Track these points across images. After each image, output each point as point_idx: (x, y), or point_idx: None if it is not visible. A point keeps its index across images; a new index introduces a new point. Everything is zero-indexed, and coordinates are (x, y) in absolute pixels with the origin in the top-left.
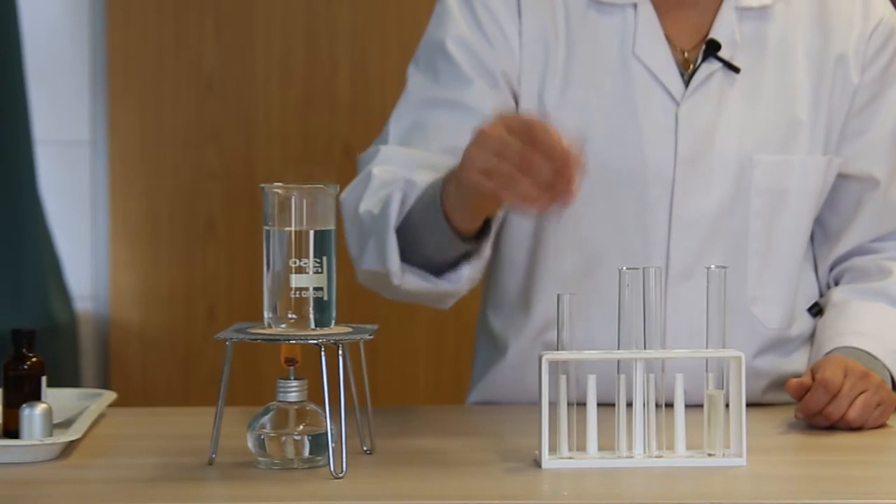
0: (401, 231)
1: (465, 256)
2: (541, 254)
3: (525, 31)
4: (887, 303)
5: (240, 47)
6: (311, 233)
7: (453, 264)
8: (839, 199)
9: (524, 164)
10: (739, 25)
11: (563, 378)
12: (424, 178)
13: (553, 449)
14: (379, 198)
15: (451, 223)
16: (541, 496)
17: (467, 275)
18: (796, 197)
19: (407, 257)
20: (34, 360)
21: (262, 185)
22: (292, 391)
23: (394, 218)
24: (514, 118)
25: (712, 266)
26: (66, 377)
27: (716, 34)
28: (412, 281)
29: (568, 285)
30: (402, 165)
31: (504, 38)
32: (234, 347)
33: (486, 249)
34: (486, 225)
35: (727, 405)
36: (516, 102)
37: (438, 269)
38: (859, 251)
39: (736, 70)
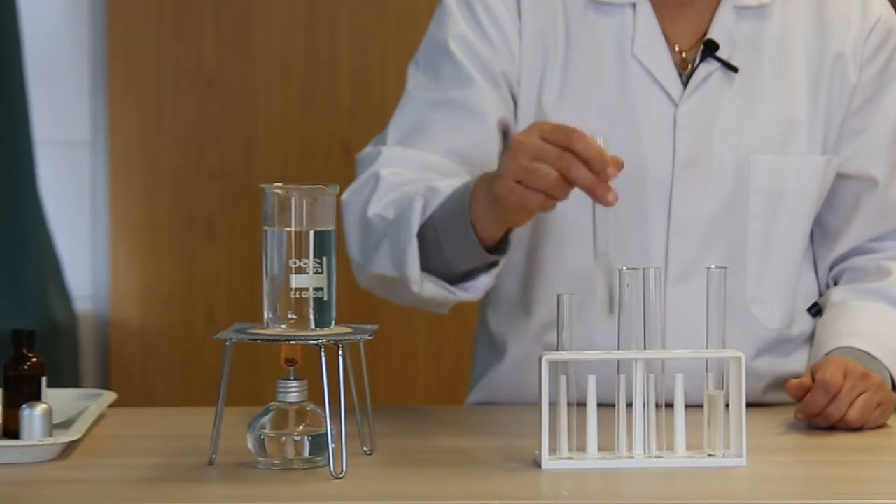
0: (418, 237)
1: (483, 266)
2: (540, 255)
3: (525, 31)
4: (886, 303)
5: (240, 47)
6: (311, 233)
7: (468, 273)
8: (838, 198)
9: (564, 168)
10: (737, 25)
11: (563, 378)
12: (447, 185)
13: (553, 449)
14: (390, 201)
15: (477, 233)
16: (541, 496)
17: (485, 284)
18: (795, 197)
19: (423, 264)
20: (34, 360)
21: (262, 185)
22: (292, 391)
23: (415, 225)
24: (548, 126)
25: (712, 266)
26: (66, 377)
27: (714, 34)
28: (430, 289)
29: (567, 286)
30: (409, 168)
31: (504, 38)
32: (234, 347)
33: (504, 260)
34: (506, 235)
35: (727, 405)
36: (515, 103)
37: (453, 277)
38: (858, 251)
39: (734, 70)
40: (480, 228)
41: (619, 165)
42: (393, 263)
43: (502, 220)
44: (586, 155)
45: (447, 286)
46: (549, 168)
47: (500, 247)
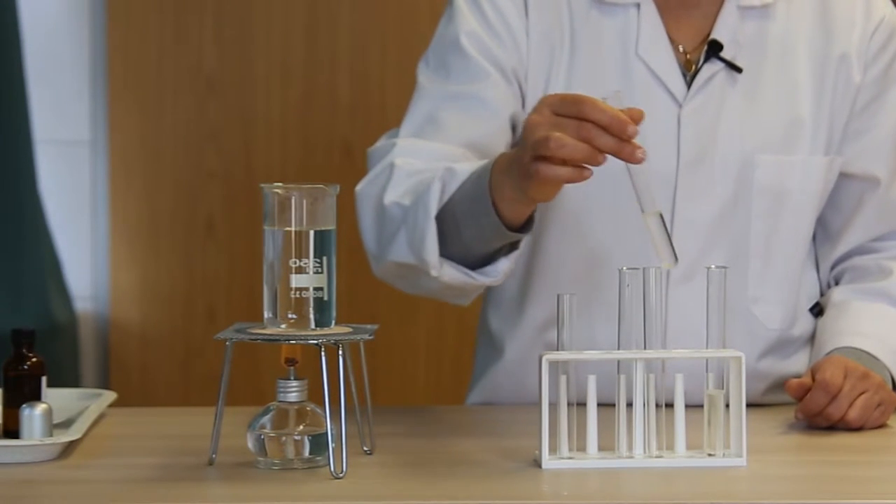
0: (437, 221)
1: (501, 249)
2: (541, 254)
3: (532, 30)
4: (887, 303)
5: (240, 47)
6: (311, 233)
7: (488, 257)
8: (840, 198)
9: (585, 139)
10: (741, 25)
11: (563, 378)
12: (465, 167)
13: (553, 449)
14: (406, 188)
15: (500, 214)
16: (541, 496)
17: (505, 268)
18: (798, 197)
19: (442, 249)
20: (34, 360)
21: (262, 185)
22: (292, 391)
23: (434, 208)
24: (556, 99)
25: (712, 266)
26: (66, 377)
27: (718, 34)
28: (450, 273)
29: (568, 285)
30: (424, 158)
31: (512, 35)
32: (234, 347)
33: (525, 240)
34: (530, 214)
35: (727, 405)
36: (523, 100)
37: (473, 262)
38: (860, 250)
39: (738, 70)
40: (504, 209)
41: (639, 118)
42: (411, 249)
43: (529, 198)
44: (602, 122)
45: (467, 271)
46: (576, 141)
47: (522, 226)
